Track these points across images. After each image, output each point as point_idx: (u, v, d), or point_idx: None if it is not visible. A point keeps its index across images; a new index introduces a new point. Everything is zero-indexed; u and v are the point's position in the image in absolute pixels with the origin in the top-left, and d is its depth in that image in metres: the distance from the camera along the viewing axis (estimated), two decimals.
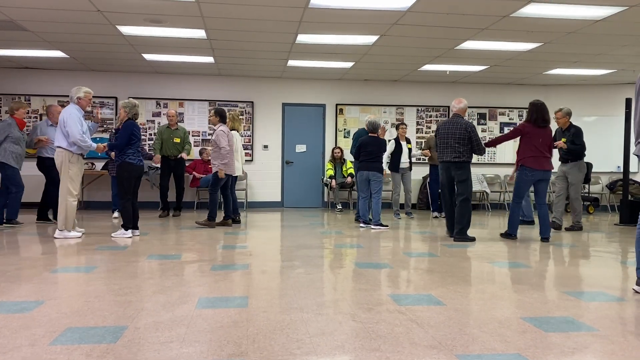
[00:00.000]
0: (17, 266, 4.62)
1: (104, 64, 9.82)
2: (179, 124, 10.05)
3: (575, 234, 7.40)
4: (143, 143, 7.37)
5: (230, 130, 7.67)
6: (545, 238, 6.41)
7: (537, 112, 6.34)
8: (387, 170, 8.66)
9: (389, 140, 8.88)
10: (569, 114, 7.79)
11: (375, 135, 7.70)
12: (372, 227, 7.65)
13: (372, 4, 6.14)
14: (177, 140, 8.80)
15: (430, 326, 2.99)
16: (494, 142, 6.87)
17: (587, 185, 10.64)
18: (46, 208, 7.77)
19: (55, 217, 7.73)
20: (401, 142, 9.10)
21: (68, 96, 6.42)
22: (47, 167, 7.36)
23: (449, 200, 6.64)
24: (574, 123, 7.82)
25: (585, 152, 7.76)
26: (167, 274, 4.33)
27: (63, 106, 6.90)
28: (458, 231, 6.43)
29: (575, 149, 7.56)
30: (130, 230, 6.43)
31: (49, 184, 7.55)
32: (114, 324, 2.96)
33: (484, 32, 7.26)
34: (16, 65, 9.99)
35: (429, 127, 11.31)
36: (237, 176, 8.04)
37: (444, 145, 6.47)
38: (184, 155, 8.93)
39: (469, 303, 3.53)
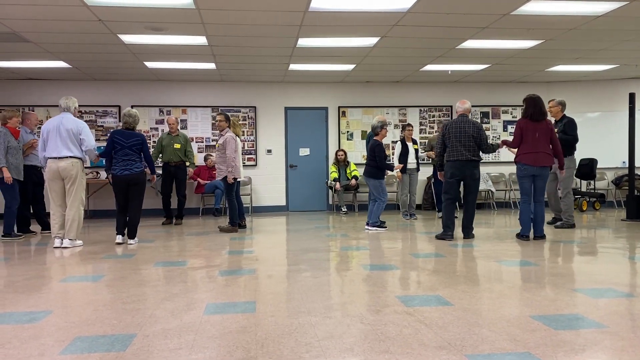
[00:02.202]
0: (25, 276, 4.63)
1: (106, 73, 9.86)
2: (181, 130, 10.09)
3: (567, 231, 7.36)
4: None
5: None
6: (538, 236, 6.38)
7: (533, 107, 6.28)
8: (398, 173, 8.62)
9: (396, 142, 8.88)
10: (562, 104, 7.70)
11: (375, 137, 7.71)
12: (366, 227, 7.69)
13: (372, 5, 6.15)
14: (178, 146, 8.82)
15: (439, 327, 2.98)
16: (510, 146, 6.64)
17: (592, 182, 10.61)
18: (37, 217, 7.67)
19: (45, 228, 7.66)
20: (407, 143, 9.10)
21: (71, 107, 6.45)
22: (29, 176, 7.30)
23: (453, 201, 6.60)
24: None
25: (576, 146, 7.56)
26: (175, 281, 4.34)
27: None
28: (471, 229, 6.57)
29: (566, 139, 7.32)
30: (119, 236, 6.53)
31: (28, 194, 7.43)
32: (123, 332, 2.96)
33: (484, 30, 7.25)
34: (19, 76, 10.05)
35: (432, 128, 11.30)
36: (240, 181, 8.07)
37: (459, 143, 6.42)
38: (189, 170, 9.09)
39: (477, 303, 3.52)
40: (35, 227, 7.84)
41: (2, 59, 8.59)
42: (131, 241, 6.56)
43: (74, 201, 6.26)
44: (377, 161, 7.54)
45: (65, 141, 6.19)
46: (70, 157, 6.20)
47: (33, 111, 10.12)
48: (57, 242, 6.29)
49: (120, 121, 7.33)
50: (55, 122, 6.29)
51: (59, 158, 6.19)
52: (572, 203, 7.71)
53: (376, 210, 7.64)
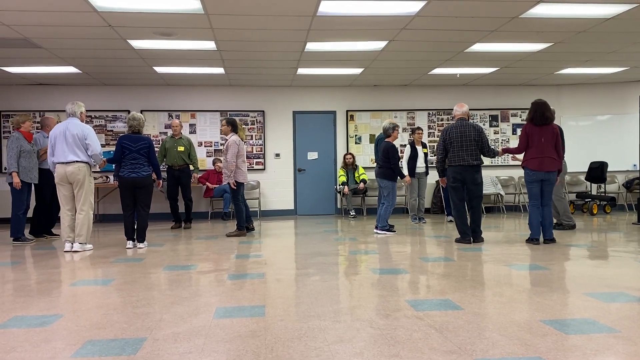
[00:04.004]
0: (36, 280, 4.67)
1: (116, 78, 9.94)
2: (190, 135, 10.13)
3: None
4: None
5: None
6: (548, 240, 6.34)
7: (535, 111, 6.25)
8: (407, 177, 8.53)
9: (404, 145, 8.85)
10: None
11: (387, 139, 7.70)
12: (375, 231, 7.68)
13: (381, 9, 6.15)
14: (181, 149, 8.83)
15: (449, 331, 2.97)
16: (513, 152, 6.66)
17: (603, 185, 10.53)
18: (50, 222, 7.68)
19: (48, 233, 7.63)
20: (417, 147, 9.05)
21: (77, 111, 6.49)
22: (47, 179, 7.25)
23: (463, 204, 6.60)
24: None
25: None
26: (184, 285, 4.35)
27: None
28: (480, 232, 6.55)
29: None
30: (130, 242, 6.59)
31: (46, 197, 7.42)
32: (133, 336, 2.98)
33: (493, 34, 7.23)
34: (30, 82, 10.14)
35: (441, 131, 11.27)
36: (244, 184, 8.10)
37: (460, 148, 6.43)
38: (194, 175, 9.11)
39: (487, 307, 3.50)
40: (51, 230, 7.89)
41: (13, 64, 8.69)
42: (140, 245, 6.60)
43: (82, 205, 6.31)
44: (391, 163, 7.52)
45: (71, 146, 6.24)
46: (77, 161, 6.25)
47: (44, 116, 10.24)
48: (67, 246, 6.33)
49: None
50: (61, 127, 6.34)
51: (66, 163, 6.24)
52: (567, 205, 7.86)
53: (384, 213, 7.62)
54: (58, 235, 7.62)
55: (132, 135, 6.62)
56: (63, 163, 6.25)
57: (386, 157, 7.56)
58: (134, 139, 6.56)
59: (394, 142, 7.72)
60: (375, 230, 7.71)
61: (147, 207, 6.66)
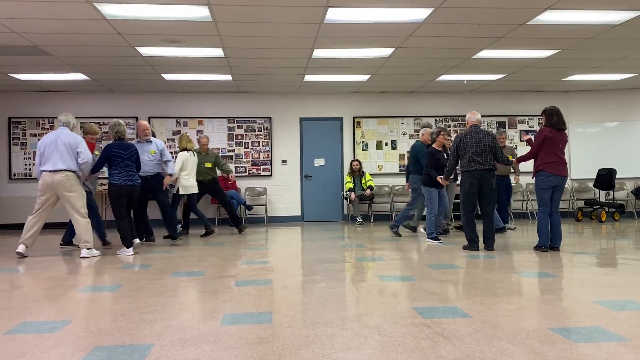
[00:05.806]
0: (44, 286, 4.69)
1: (124, 85, 10.01)
2: (195, 141, 10.13)
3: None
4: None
5: (181, 151, 8.13)
6: (555, 247, 6.29)
7: (557, 115, 6.20)
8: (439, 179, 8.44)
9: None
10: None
11: (433, 145, 7.68)
12: (426, 240, 7.49)
13: (388, 17, 6.17)
14: (209, 165, 8.79)
15: (457, 339, 2.95)
16: (526, 158, 6.67)
17: (611, 192, 10.47)
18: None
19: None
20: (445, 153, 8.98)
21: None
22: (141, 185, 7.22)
23: (473, 212, 6.57)
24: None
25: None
26: (192, 291, 4.36)
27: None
28: (493, 240, 6.51)
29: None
30: (131, 248, 6.60)
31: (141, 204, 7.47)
32: (141, 342, 2.98)
33: (500, 40, 7.23)
34: (40, 89, 10.23)
35: (449, 137, 11.23)
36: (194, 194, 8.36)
37: (476, 153, 6.42)
38: (230, 176, 9.35)
39: (496, 314, 3.48)
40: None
41: (23, 72, 8.77)
42: (129, 249, 6.58)
43: (76, 215, 6.32)
44: (426, 168, 7.48)
45: (62, 154, 6.23)
46: (65, 170, 6.23)
47: (52, 123, 10.32)
48: (21, 248, 6.33)
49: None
50: (53, 136, 6.34)
51: (54, 171, 6.20)
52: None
53: (427, 221, 7.48)
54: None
55: (120, 143, 6.60)
56: (50, 171, 6.20)
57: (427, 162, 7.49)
58: (123, 146, 6.57)
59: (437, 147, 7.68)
60: (426, 240, 7.47)
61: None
